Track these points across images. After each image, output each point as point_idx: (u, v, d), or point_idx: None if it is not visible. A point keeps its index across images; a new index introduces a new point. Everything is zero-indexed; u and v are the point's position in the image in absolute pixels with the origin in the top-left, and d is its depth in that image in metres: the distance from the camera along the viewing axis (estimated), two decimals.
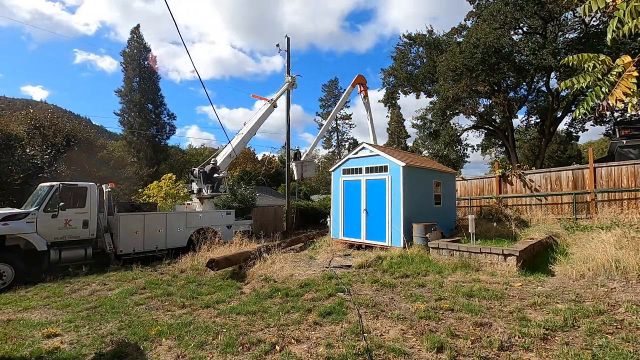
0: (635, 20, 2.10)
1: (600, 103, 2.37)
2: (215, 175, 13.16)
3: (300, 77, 17.92)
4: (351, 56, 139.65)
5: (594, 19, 20.23)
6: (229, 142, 14.36)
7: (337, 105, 22.76)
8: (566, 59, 2.57)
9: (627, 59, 2.24)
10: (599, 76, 2.35)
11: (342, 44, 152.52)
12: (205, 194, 12.76)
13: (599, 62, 2.35)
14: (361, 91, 20.48)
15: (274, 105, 16.18)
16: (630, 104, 2.25)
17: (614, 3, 2.17)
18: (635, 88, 2.14)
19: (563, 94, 23.24)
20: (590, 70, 2.40)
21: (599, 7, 2.27)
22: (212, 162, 13.63)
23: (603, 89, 2.26)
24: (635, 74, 2.14)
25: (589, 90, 2.50)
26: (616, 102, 2.25)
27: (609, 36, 2.31)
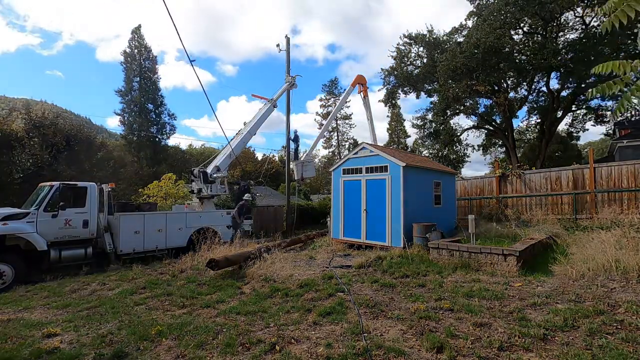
0: None
1: (635, 107, 2.39)
2: (216, 175, 13.16)
3: (301, 77, 17.94)
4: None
5: (595, 19, 20.23)
6: (228, 142, 14.34)
7: (337, 105, 22.74)
8: (595, 68, 2.60)
9: None
10: (630, 82, 2.36)
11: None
12: (205, 193, 12.76)
13: (630, 68, 2.35)
14: (361, 91, 20.47)
15: (274, 105, 16.14)
16: None
17: None
18: None
19: (564, 93, 23.28)
20: (621, 76, 2.40)
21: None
22: (216, 165, 13.60)
23: (638, 93, 2.26)
24: None
25: (618, 95, 2.50)
26: None
27: None
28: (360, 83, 20.31)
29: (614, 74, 2.44)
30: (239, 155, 15.65)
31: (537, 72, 22.32)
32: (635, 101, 2.37)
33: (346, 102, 46.39)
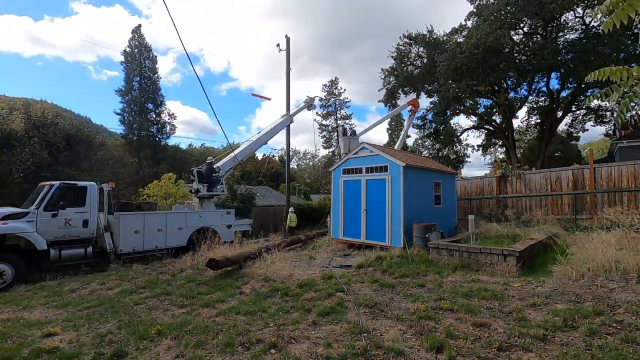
0: None
1: (636, 113, 2.37)
2: (214, 175, 13.15)
3: (319, 97, 19.12)
4: None
5: (595, 19, 20.21)
6: (230, 145, 14.47)
7: (389, 114, 27.68)
8: (591, 74, 2.53)
9: None
10: (628, 88, 2.33)
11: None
12: (205, 193, 12.74)
13: (628, 75, 2.31)
14: (410, 111, 23.59)
15: (291, 121, 16.87)
16: None
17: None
18: None
19: (564, 93, 23.31)
20: (618, 82, 2.36)
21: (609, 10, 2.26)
22: (208, 159, 13.60)
23: (635, 99, 2.24)
24: None
25: (617, 99, 2.45)
26: None
27: None
28: (412, 105, 23.14)
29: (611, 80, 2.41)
30: (244, 159, 15.70)
31: (537, 72, 22.30)
32: (633, 104, 2.36)
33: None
